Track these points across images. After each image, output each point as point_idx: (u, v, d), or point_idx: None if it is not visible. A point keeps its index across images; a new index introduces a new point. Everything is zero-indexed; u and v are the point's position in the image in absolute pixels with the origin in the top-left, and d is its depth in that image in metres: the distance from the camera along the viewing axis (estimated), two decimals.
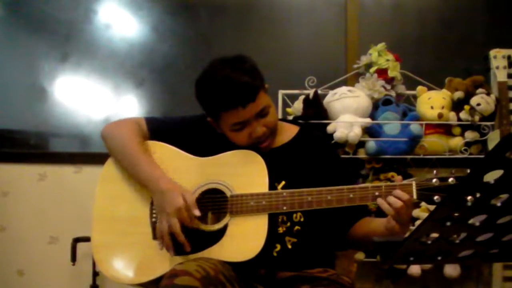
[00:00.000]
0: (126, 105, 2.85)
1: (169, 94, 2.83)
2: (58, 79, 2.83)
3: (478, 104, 2.30)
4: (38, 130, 2.83)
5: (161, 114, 2.73)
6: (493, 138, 2.31)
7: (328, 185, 1.41)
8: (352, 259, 1.69)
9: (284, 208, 1.41)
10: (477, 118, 2.31)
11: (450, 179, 1.30)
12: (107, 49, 2.82)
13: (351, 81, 2.59)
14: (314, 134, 1.67)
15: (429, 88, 2.45)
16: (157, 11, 2.86)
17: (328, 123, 2.31)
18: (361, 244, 1.59)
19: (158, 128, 1.61)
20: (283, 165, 1.53)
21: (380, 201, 1.34)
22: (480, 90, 2.35)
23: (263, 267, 1.43)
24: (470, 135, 2.33)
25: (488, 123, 2.34)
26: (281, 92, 2.51)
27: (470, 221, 0.84)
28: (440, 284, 2.44)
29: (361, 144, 2.32)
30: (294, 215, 1.47)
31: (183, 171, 1.50)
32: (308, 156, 1.57)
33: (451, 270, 2.29)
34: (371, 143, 2.29)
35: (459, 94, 2.37)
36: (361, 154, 2.33)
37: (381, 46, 2.44)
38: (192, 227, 1.41)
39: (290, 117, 2.36)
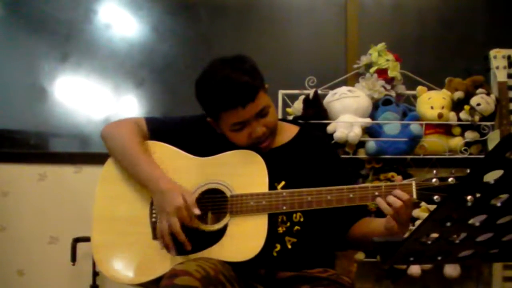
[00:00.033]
0: (126, 105, 2.85)
1: (169, 94, 2.83)
2: (58, 79, 2.83)
3: (478, 104, 2.30)
4: (38, 130, 2.83)
5: (161, 114, 2.73)
6: (493, 138, 2.31)
7: (328, 185, 1.40)
8: (352, 259, 1.69)
9: (284, 208, 1.41)
10: (477, 118, 2.31)
11: (450, 179, 1.30)
12: (107, 49, 2.82)
13: (351, 81, 2.59)
14: (314, 134, 1.67)
15: (429, 88, 2.45)
16: (157, 11, 2.86)
17: (328, 123, 2.31)
18: (361, 244, 1.59)
19: (158, 128, 1.61)
20: (283, 165, 1.53)
21: (379, 200, 1.34)
22: (480, 90, 2.35)
23: (263, 267, 1.43)
24: (470, 135, 2.33)
25: (488, 123, 2.34)
26: (281, 92, 2.51)
27: (470, 221, 0.84)
28: (440, 284, 2.44)
29: (361, 144, 2.32)
30: (294, 215, 1.47)
31: (183, 171, 1.50)
32: (308, 156, 1.57)
33: (451, 270, 2.29)
34: (371, 143, 2.29)
35: (459, 94, 2.37)
36: (361, 154, 2.33)
37: (381, 46, 2.44)
38: (192, 227, 1.41)
39: (290, 117, 2.36)
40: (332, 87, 2.46)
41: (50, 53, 2.82)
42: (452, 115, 2.35)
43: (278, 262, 1.44)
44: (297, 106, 2.37)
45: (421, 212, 2.26)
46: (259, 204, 1.42)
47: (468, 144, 2.33)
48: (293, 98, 2.48)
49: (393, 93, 2.43)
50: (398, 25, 2.82)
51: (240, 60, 1.48)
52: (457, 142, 2.33)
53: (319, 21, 2.83)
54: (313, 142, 1.62)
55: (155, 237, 1.47)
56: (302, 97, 2.37)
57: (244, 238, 1.41)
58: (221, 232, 1.42)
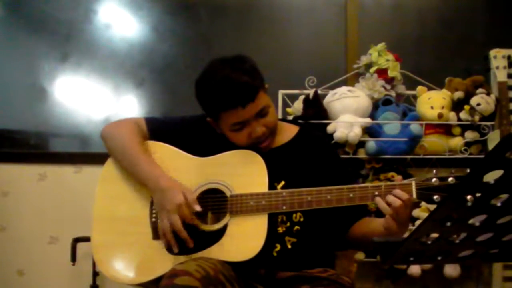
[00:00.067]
0: (126, 105, 2.85)
1: (169, 94, 2.83)
2: (58, 79, 2.83)
3: (478, 104, 2.30)
4: (38, 130, 2.83)
5: (161, 114, 2.73)
6: (493, 138, 2.31)
7: (328, 185, 1.40)
8: (352, 259, 1.69)
9: (284, 207, 1.41)
10: (477, 118, 2.31)
11: (450, 179, 1.30)
12: (107, 49, 2.82)
13: (351, 81, 2.59)
14: (314, 134, 1.67)
15: (429, 88, 2.45)
16: (157, 11, 2.86)
17: (328, 123, 2.31)
18: (361, 244, 1.59)
19: (157, 128, 1.61)
20: (282, 165, 1.53)
21: (378, 200, 1.34)
22: (480, 90, 2.35)
23: (263, 267, 1.43)
24: (470, 135, 2.33)
25: (488, 123, 2.34)
26: (281, 92, 2.51)
27: (470, 221, 0.84)
28: (440, 284, 2.44)
29: (361, 144, 2.32)
30: (294, 215, 1.47)
31: (183, 171, 1.50)
32: (308, 156, 1.57)
33: (451, 270, 2.29)
34: (371, 143, 2.29)
35: (459, 94, 2.37)
36: (361, 154, 2.33)
37: (381, 46, 2.44)
38: (193, 224, 1.41)
39: (290, 117, 2.36)
40: (332, 87, 2.46)
41: (50, 53, 2.82)
42: (452, 115, 2.35)
43: (278, 262, 1.44)
44: (297, 106, 2.37)
45: (421, 212, 2.26)
46: (259, 204, 1.42)
47: (468, 144, 2.33)
48: (293, 98, 2.48)
49: (393, 93, 2.43)
50: (398, 25, 2.82)
51: (240, 60, 1.48)
52: (457, 142, 2.33)
53: (319, 21, 2.83)
54: (313, 142, 1.62)
55: (155, 237, 1.47)
56: (302, 97, 2.37)
57: (244, 238, 1.40)
58: (221, 232, 1.42)
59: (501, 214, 0.83)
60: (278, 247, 1.45)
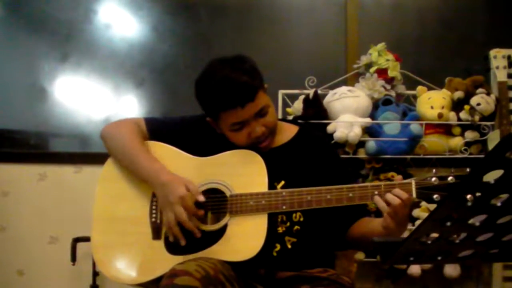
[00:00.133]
0: (126, 105, 2.85)
1: (169, 94, 2.83)
2: (58, 79, 2.83)
3: (478, 104, 2.30)
4: (38, 130, 2.83)
5: (161, 114, 2.73)
6: (493, 138, 2.31)
7: (328, 185, 1.40)
8: (352, 259, 1.69)
9: (284, 207, 1.41)
10: (477, 118, 2.31)
11: (450, 178, 1.29)
12: (107, 49, 2.82)
13: (351, 81, 2.59)
14: (313, 134, 1.67)
15: (429, 88, 2.45)
16: (157, 11, 2.86)
17: (328, 123, 2.31)
18: (361, 244, 1.59)
19: (157, 129, 1.61)
20: (282, 165, 1.52)
21: (376, 198, 1.34)
22: (480, 90, 2.35)
23: (262, 267, 1.43)
24: (470, 135, 2.33)
25: (488, 123, 2.34)
26: (281, 92, 2.51)
27: (470, 221, 0.84)
28: (440, 284, 2.44)
29: (361, 144, 2.32)
30: (294, 214, 1.47)
31: (182, 171, 1.50)
32: (307, 156, 1.57)
33: (451, 270, 2.29)
34: (371, 143, 2.29)
35: (459, 94, 2.37)
36: (361, 154, 2.33)
37: (381, 46, 2.44)
38: (196, 215, 1.41)
39: (290, 117, 2.36)
40: (332, 87, 2.46)
41: (50, 53, 2.82)
42: (452, 115, 2.35)
43: (278, 262, 1.44)
44: (297, 106, 2.37)
45: (421, 212, 2.26)
46: (259, 203, 1.42)
47: (468, 144, 2.33)
48: (293, 98, 2.48)
49: (393, 93, 2.43)
50: (398, 25, 2.82)
51: (240, 60, 1.48)
52: (457, 142, 2.33)
53: (319, 21, 2.83)
54: (312, 142, 1.62)
55: (155, 237, 1.47)
56: (302, 97, 2.37)
57: (243, 238, 1.40)
58: (221, 232, 1.42)
59: (501, 214, 0.83)
60: (278, 247, 1.45)
